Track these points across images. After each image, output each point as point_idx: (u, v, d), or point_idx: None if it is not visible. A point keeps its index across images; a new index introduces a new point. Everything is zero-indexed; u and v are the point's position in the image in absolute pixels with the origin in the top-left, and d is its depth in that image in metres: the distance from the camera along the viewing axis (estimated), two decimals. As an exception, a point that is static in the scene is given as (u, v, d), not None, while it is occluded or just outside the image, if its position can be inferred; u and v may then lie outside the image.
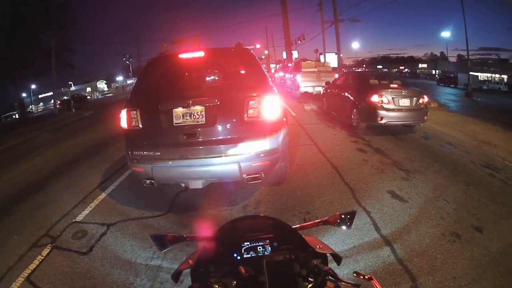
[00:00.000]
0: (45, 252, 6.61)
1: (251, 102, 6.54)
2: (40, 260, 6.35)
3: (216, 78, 7.43)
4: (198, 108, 6.56)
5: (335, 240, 5.77)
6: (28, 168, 13.89)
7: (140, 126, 6.92)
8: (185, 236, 2.28)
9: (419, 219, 6.55)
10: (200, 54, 7.28)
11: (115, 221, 7.41)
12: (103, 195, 9.03)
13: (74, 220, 7.73)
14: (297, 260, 1.91)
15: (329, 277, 1.83)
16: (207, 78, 7.50)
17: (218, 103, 6.52)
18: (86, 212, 8.10)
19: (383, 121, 13.12)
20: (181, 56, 7.48)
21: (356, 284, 1.79)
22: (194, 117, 6.59)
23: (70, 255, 6.38)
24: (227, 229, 2.17)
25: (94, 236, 6.90)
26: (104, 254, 6.21)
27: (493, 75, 76.90)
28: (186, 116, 6.62)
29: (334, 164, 9.53)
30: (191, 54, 7.38)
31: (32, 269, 6.10)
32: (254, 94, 6.59)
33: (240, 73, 7.32)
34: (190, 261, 2.11)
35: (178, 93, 6.89)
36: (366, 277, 1.82)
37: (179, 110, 6.62)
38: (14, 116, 73.85)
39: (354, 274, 1.88)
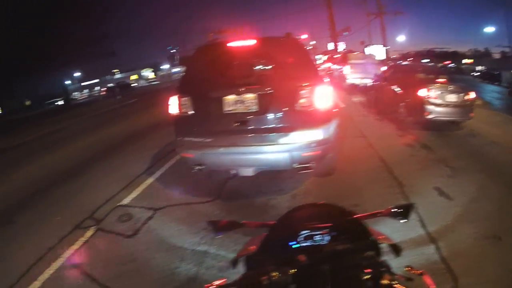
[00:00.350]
0: (88, 234, 6.63)
1: (303, 92, 6.44)
2: (83, 241, 6.37)
3: (267, 67, 7.31)
4: (250, 96, 6.53)
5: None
6: (71, 153, 14.11)
7: (191, 112, 6.96)
8: (241, 222, 2.24)
9: (463, 218, 6.26)
10: (251, 42, 7.22)
11: (162, 206, 7.37)
12: (150, 180, 9.05)
13: (119, 204, 7.75)
14: (358, 250, 1.80)
15: (384, 269, 1.70)
16: (258, 67, 7.39)
17: (271, 91, 6.48)
18: (132, 196, 8.11)
19: (430, 116, 12.72)
20: (231, 44, 7.43)
21: (409, 278, 1.71)
22: (246, 105, 6.58)
23: (114, 238, 6.39)
24: (288, 216, 2.12)
25: (140, 220, 6.87)
26: (149, 238, 6.18)
27: (537, 73, 74.93)
28: (237, 103, 6.61)
29: (382, 157, 9.32)
30: (242, 42, 7.32)
31: (74, 250, 6.12)
32: (307, 84, 6.49)
33: (291, 63, 7.19)
34: (250, 247, 2.09)
35: (229, 80, 6.87)
36: (418, 272, 1.76)
37: (230, 98, 6.62)
38: (57, 103, 75.35)
39: (407, 268, 1.82)
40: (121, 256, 5.73)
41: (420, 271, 1.75)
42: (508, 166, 9.29)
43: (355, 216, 2.10)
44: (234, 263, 2.05)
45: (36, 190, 9.65)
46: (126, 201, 7.88)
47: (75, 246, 6.21)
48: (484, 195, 7.19)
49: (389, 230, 5.49)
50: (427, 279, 1.71)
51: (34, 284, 5.35)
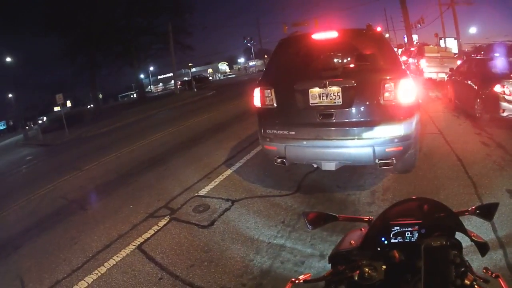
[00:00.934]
0: (162, 223, 6.86)
1: (387, 85, 6.39)
2: (156, 230, 6.61)
3: (350, 59, 7.39)
4: (335, 89, 6.53)
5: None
6: (150, 143, 14.66)
7: (275, 105, 7.09)
8: (337, 216, 2.26)
9: (533, 225, 6.07)
10: (332, 34, 7.19)
11: (240, 198, 7.51)
12: (228, 172, 9.23)
13: (196, 194, 7.96)
14: (452, 247, 1.89)
15: (464, 268, 1.82)
16: (341, 60, 7.48)
17: (355, 84, 6.44)
18: (210, 187, 8.31)
19: (504, 114, 12.22)
20: (313, 36, 7.43)
21: (486, 280, 1.81)
22: (331, 97, 6.59)
23: (189, 228, 6.54)
24: (387, 212, 2.05)
25: (216, 211, 7.02)
26: (225, 229, 6.28)
27: None
28: (322, 96, 6.64)
29: (459, 156, 9.10)
30: (323, 35, 7.30)
31: (146, 238, 6.37)
32: (390, 77, 6.46)
33: (374, 55, 7.16)
34: (352, 241, 2.10)
35: (314, 73, 6.93)
36: (494, 274, 1.84)
37: (316, 90, 6.65)
38: (131, 96, 77.52)
39: (484, 270, 1.91)
40: (195, 246, 5.86)
41: (495, 273, 1.82)
42: None
43: (445, 214, 2.09)
44: (333, 258, 2.09)
45: (114, 178, 10.20)
46: (203, 191, 8.06)
47: (147, 235, 6.46)
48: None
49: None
50: (502, 282, 1.77)
51: (100, 269, 5.66)
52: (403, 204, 2.03)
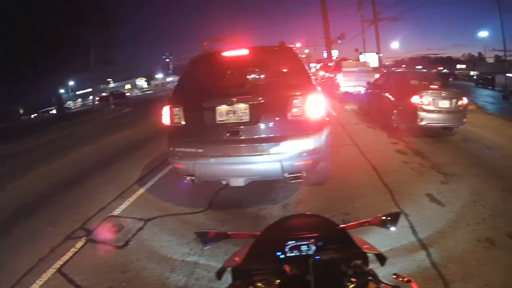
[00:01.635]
0: (79, 244, 6.63)
1: (295, 101, 6.50)
2: (74, 252, 6.37)
3: (260, 76, 7.42)
4: (242, 106, 6.57)
5: (373, 242, 5.49)
6: (66, 162, 14.11)
7: (183, 123, 7.02)
8: (229, 233, 2.27)
9: (455, 224, 6.30)
10: (244, 52, 7.30)
11: (153, 216, 7.40)
12: (141, 190, 9.09)
13: (110, 214, 7.76)
14: (343, 260, 1.86)
15: (370, 278, 1.80)
16: (251, 76, 7.47)
17: (262, 101, 6.50)
18: (123, 206, 8.14)
19: (423, 123, 12.91)
20: (224, 54, 7.51)
21: (395, 286, 1.75)
22: (238, 115, 6.62)
23: (104, 249, 6.42)
24: (273, 227, 2.10)
25: (130, 231, 6.88)
26: (140, 249, 6.17)
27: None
28: (229, 114, 6.66)
29: (374, 165, 9.38)
30: (235, 52, 7.41)
31: (65, 260, 6.12)
32: (299, 93, 6.55)
33: (284, 72, 7.34)
34: (236, 258, 2.08)
35: (222, 91, 6.92)
36: (405, 279, 1.81)
37: (223, 108, 6.66)
38: (51, 112, 75.30)
39: (394, 276, 1.88)
40: (112, 267, 5.72)
41: (407, 278, 1.79)
42: (502, 170, 9.32)
43: (341, 226, 2.13)
44: (219, 274, 2.05)
45: (33, 199, 9.71)
46: (117, 211, 7.90)
47: (65, 257, 6.22)
48: (477, 200, 7.28)
49: (381, 237, 5.55)
50: (414, 286, 1.75)
51: (24, 296, 5.35)
52: (293, 220, 2.11)
